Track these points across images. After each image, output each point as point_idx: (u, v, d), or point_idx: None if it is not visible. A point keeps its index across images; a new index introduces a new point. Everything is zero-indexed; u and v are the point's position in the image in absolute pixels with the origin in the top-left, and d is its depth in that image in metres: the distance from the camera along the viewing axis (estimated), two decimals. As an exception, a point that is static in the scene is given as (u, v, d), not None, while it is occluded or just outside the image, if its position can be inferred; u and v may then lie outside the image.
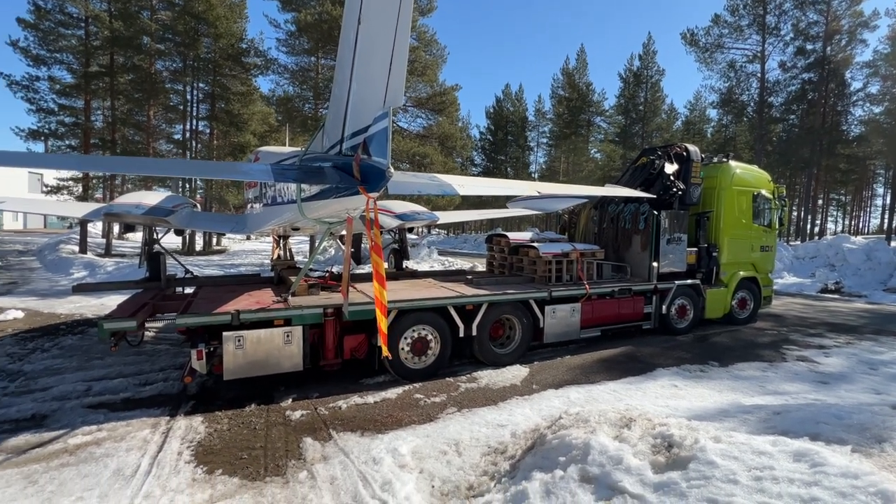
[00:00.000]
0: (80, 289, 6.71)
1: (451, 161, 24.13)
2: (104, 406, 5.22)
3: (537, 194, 5.69)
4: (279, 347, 5.48)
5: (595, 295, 7.74)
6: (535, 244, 8.01)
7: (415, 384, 6.07)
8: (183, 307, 5.58)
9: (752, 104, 30.06)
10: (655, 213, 8.37)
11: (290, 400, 5.49)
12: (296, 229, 6.06)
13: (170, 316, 5.28)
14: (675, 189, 8.49)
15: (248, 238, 46.05)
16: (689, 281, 8.81)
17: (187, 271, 7.21)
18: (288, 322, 5.53)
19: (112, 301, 11.01)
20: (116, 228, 32.61)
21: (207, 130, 26.87)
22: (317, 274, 7.96)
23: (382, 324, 3.69)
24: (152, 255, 7.00)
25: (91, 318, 9.43)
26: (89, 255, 20.43)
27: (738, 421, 4.31)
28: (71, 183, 24.00)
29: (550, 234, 9.40)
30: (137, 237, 33.21)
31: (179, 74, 21.69)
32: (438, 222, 8.76)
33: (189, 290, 7.13)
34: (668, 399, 5.58)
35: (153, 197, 6.26)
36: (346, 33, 3.70)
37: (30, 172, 48.85)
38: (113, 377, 6.09)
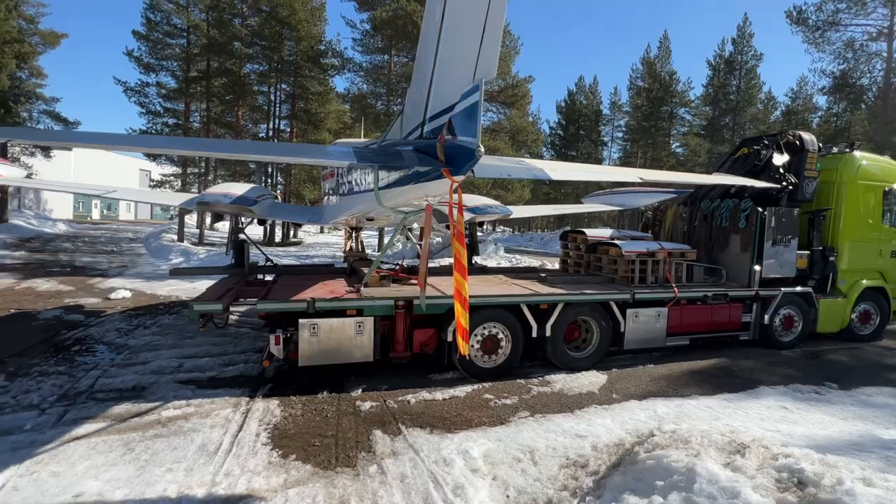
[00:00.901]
0: (176, 272, 7.28)
1: (522, 156, 23.55)
2: (193, 382, 5.55)
3: (639, 180, 5.17)
4: (351, 337, 5.51)
5: (685, 299, 7.00)
6: (617, 242, 7.41)
7: (484, 383, 5.83)
8: (263, 293, 5.79)
9: (873, 88, 26.11)
10: (760, 210, 7.39)
11: (360, 390, 5.49)
12: (370, 220, 6.07)
13: (251, 301, 5.50)
14: (784, 183, 7.43)
15: (322, 231, 48.50)
16: (798, 288, 7.70)
17: (268, 259, 7.57)
18: (360, 312, 5.53)
19: (203, 285, 11.92)
20: (209, 219, 35.83)
21: (288, 129, 28.46)
22: (387, 266, 8.00)
23: (463, 319, 3.45)
24: (237, 244, 7.41)
25: (185, 300, 10.25)
26: (185, 244, 22.54)
27: (881, 459, 3.57)
28: (172, 178, 26.67)
29: (631, 233, 8.69)
30: (226, 227, 36.19)
31: (265, 76, 23.18)
32: (511, 217, 8.42)
33: (269, 278, 7.45)
34: (777, 423, 4.84)
35: (239, 188, 6.60)
36: (431, 4, 3.52)
37: (140, 169, 55.21)
38: (201, 356, 6.50)
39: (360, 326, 5.53)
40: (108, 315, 8.58)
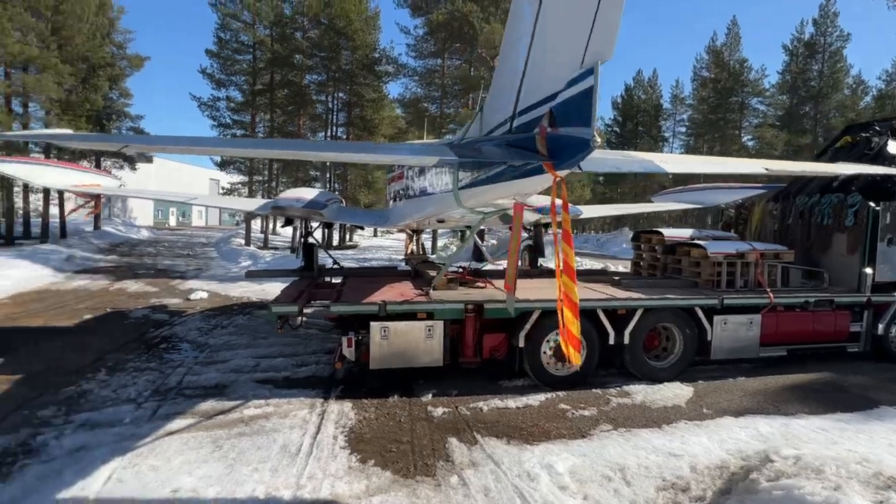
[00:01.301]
0: (251, 275, 7.62)
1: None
2: (269, 382, 5.70)
3: (764, 171, 4.69)
4: (421, 341, 5.43)
5: (781, 306, 6.31)
6: (700, 242, 6.83)
7: (557, 392, 5.55)
8: (334, 296, 5.85)
9: None
10: (872, 205, 6.53)
11: (431, 395, 5.39)
12: (441, 222, 5.99)
13: (323, 303, 5.58)
14: (903, 174, 6.52)
15: (376, 234, 49.77)
16: (919, 294, 6.73)
17: (335, 262, 7.73)
18: (430, 316, 5.44)
19: (272, 287, 12.47)
20: (271, 224, 37.85)
21: (345, 136, 29.33)
22: (452, 269, 7.90)
23: (573, 327, 3.15)
24: (307, 247, 7.62)
25: (255, 301, 10.74)
26: (252, 248, 23.84)
27: None
28: (239, 186, 28.33)
29: (713, 232, 8.01)
30: (286, 233, 37.82)
31: (323, 86, 24.05)
32: (580, 217, 8.03)
33: (335, 280, 7.59)
34: (913, 451, 4.17)
35: (309, 192, 6.78)
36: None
37: (210, 179, 59.29)
38: (275, 356, 6.70)
39: (429, 330, 5.44)
40: (190, 315, 9.12)
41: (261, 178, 27.67)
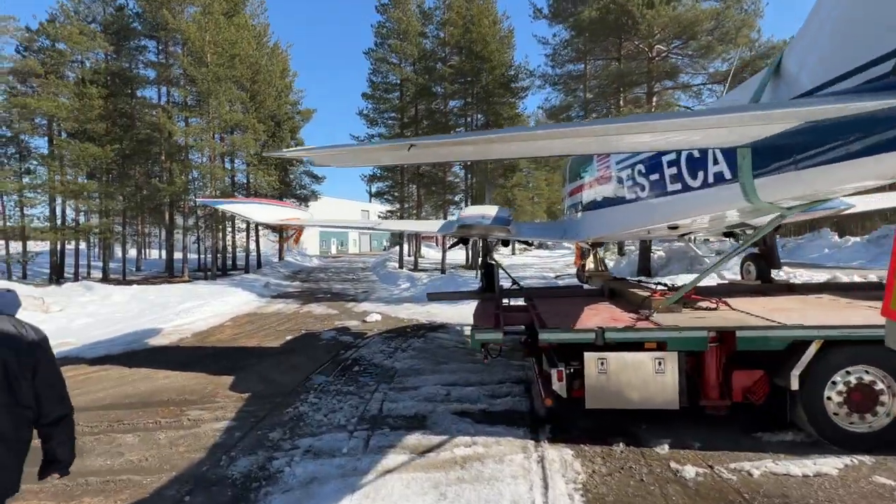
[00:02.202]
0: (433, 297, 7.51)
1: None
2: (467, 415, 5.25)
3: None
4: (649, 377, 4.40)
5: None
6: None
7: (860, 457, 3.96)
8: (536, 320, 5.21)
9: None
10: None
11: (666, 446, 4.30)
12: (673, 228, 4.95)
13: (515, 329, 4.97)
14: None
15: (514, 252, 49.29)
16: None
17: (514, 282, 7.18)
18: (660, 346, 4.40)
19: (435, 309, 12.60)
20: (416, 248, 40.20)
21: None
22: (649, 286, 6.66)
23: None
24: (487, 266, 7.23)
25: (425, 323, 10.82)
26: (405, 270, 25.28)
27: None
28: (389, 214, 30.62)
29: None
30: (429, 255, 39.44)
31: (463, 110, 24.71)
32: (847, 212, 6.11)
33: (517, 302, 7.00)
34: None
35: (491, 209, 6.38)
36: None
37: (361, 210, 66.19)
38: (463, 384, 6.31)
39: (659, 364, 4.38)
40: (370, 337, 9.49)
41: (409, 205, 29.50)
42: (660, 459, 4.12)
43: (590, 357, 4.47)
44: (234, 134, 20.74)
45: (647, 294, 5.32)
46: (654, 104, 16.11)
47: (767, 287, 6.50)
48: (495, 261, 7.20)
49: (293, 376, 6.92)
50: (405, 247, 48.19)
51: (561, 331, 4.56)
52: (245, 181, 25.61)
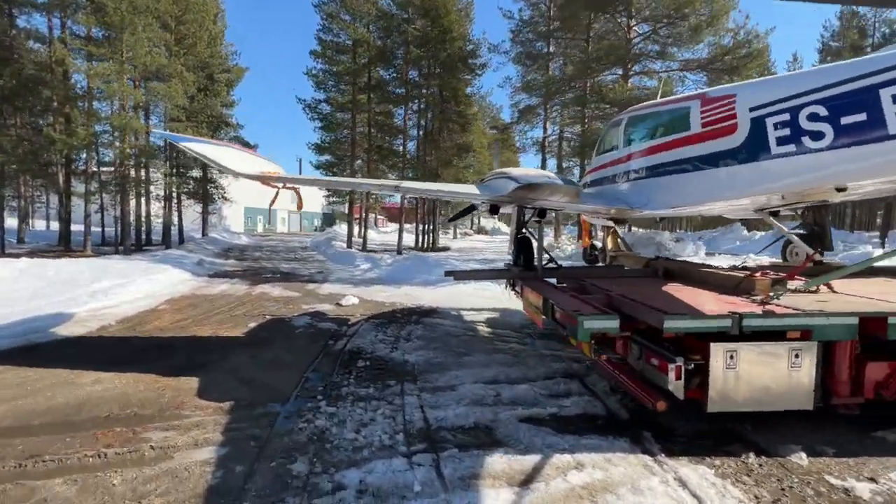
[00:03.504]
0: (457, 276, 6.23)
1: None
2: (538, 422, 4.18)
3: None
4: (783, 373, 3.64)
5: None
6: None
7: None
8: (604, 301, 4.24)
9: None
10: None
11: (803, 454, 3.58)
12: (841, 190, 4.10)
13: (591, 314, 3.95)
14: None
15: (455, 237, 48.55)
16: None
17: (551, 259, 6.17)
18: (804, 336, 3.63)
19: (417, 292, 11.28)
20: (358, 229, 37.87)
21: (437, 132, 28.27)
22: (731, 265, 5.98)
23: None
24: (521, 241, 6.12)
25: (412, 307, 9.51)
26: (354, 250, 23.38)
27: None
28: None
29: None
30: (371, 236, 37.33)
31: (425, 79, 23.09)
32: None
33: (552, 282, 6.00)
34: None
35: (540, 171, 5.26)
36: None
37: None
38: (506, 381, 5.22)
39: (796, 357, 3.63)
40: (357, 324, 8.00)
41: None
42: (810, 473, 3.38)
43: (717, 349, 3.60)
44: (154, 82, 17.25)
45: (743, 275, 4.57)
46: (628, 86, 15.87)
47: (823, 267, 6.11)
48: (531, 233, 6.13)
49: (282, 375, 5.35)
50: (344, 226, 45.57)
51: (690, 318, 3.60)
52: (163, 143, 21.80)
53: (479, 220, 63.87)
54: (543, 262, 6.13)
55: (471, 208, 8.33)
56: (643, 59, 16.31)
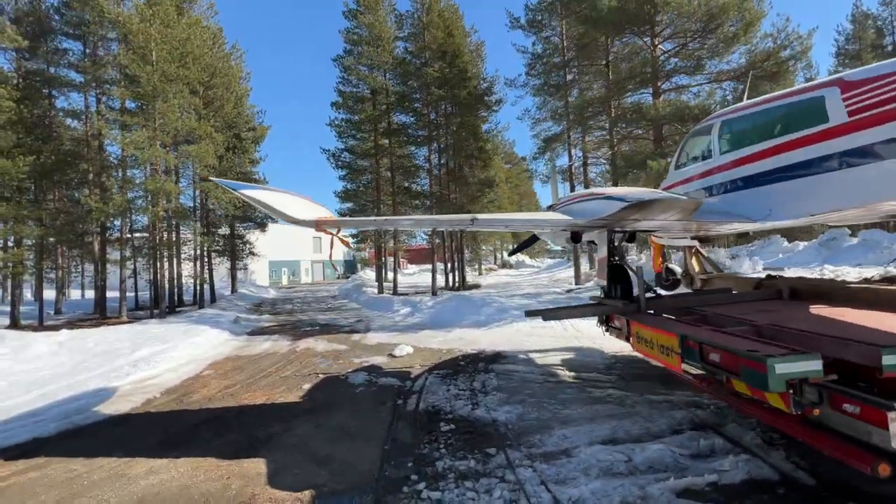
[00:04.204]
0: (545, 316, 5.47)
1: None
2: (700, 497, 3.29)
3: None
4: None
5: None
6: None
7: None
8: (752, 335, 3.42)
9: None
10: None
11: None
12: None
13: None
14: None
15: (481, 273, 47.49)
16: None
17: (648, 288, 5.38)
18: None
19: (470, 336, 10.47)
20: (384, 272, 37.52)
21: (457, 167, 28.12)
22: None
23: None
24: (616, 268, 5.37)
25: (471, 353, 8.68)
26: (387, 294, 22.81)
27: None
28: (356, 237, 28.00)
29: None
30: (401, 279, 36.84)
31: (447, 118, 23.22)
32: None
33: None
34: None
35: (646, 190, 4.59)
36: None
37: (314, 235, 62.66)
38: (628, 438, 4.33)
39: None
40: (419, 376, 7.22)
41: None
42: None
43: (954, 391, 2.72)
44: (185, 145, 17.59)
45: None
46: (659, 104, 15.36)
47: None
48: (626, 264, 5.37)
49: (358, 448, 4.57)
50: (367, 271, 45.29)
51: (916, 351, 2.75)
52: (193, 203, 22.11)
53: (502, 255, 63.04)
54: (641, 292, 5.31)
55: (533, 239, 7.64)
56: (674, 75, 15.90)
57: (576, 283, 24.49)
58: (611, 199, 4.48)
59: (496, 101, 27.23)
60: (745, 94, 6.26)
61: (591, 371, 6.80)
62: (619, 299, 5.29)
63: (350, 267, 67.88)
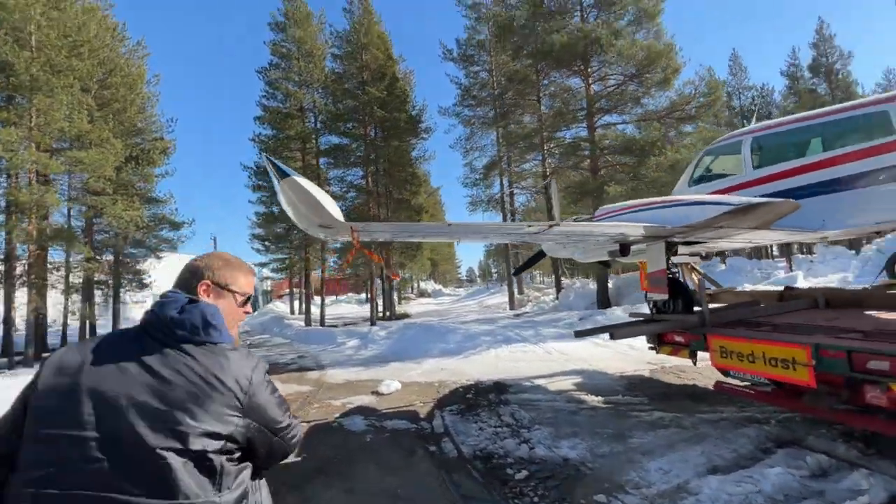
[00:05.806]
0: (615, 335, 4.97)
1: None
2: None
3: None
4: None
5: None
6: None
7: None
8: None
9: None
10: None
11: None
12: None
13: None
14: None
15: (400, 302, 46.12)
16: None
17: (696, 304, 5.21)
18: None
19: (453, 365, 9.59)
20: (299, 304, 34.21)
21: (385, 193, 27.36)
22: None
23: None
24: (674, 282, 5.12)
25: (468, 383, 7.89)
26: (316, 326, 20.80)
27: None
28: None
29: None
30: (316, 310, 34.21)
31: (384, 140, 22.54)
32: None
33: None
34: None
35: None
36: None
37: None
38: (730, 465, 3.98)
39: None
40: (430, 415, 6.25)
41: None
42: None
43: None
44: (73, 149, 14.32)
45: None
46: (595, 138, 16.61)
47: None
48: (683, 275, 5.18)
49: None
50: (277, 303, 41.33)
51: None
52: (69, 222, 18.07)
53: (419, 284, 62.49)
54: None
55: (540, 255, 7.27)
56: (607, 113, 17.39)
57: (510, 308, 24.84)
58: (705, 204, 4.29)
59: (425, 129, 27.43)
60: (754, 118, 6.81)
61: (616, 394, 6.48)
62: (680, 313, 5.07)
63: (251, 299, 61.76)
